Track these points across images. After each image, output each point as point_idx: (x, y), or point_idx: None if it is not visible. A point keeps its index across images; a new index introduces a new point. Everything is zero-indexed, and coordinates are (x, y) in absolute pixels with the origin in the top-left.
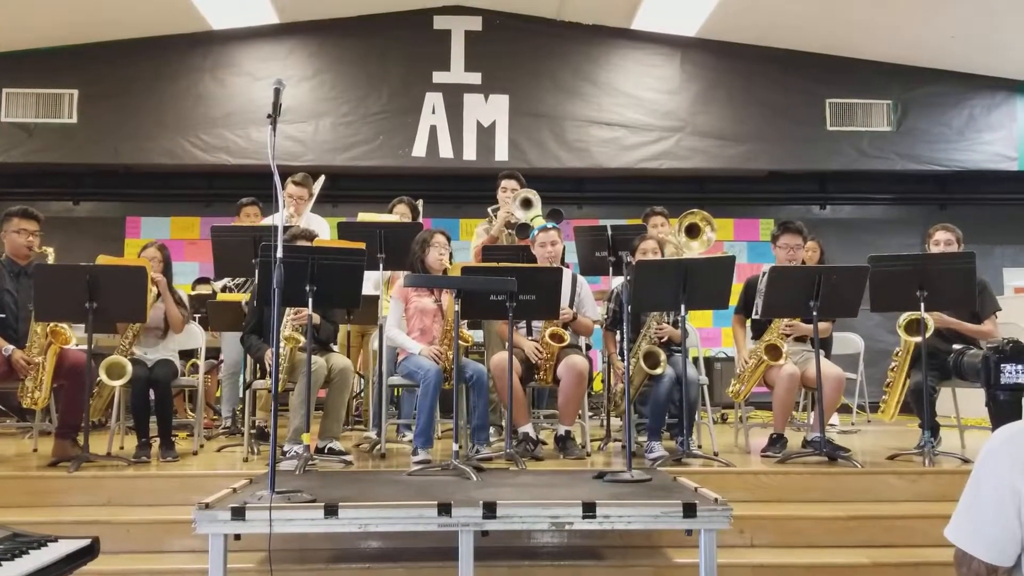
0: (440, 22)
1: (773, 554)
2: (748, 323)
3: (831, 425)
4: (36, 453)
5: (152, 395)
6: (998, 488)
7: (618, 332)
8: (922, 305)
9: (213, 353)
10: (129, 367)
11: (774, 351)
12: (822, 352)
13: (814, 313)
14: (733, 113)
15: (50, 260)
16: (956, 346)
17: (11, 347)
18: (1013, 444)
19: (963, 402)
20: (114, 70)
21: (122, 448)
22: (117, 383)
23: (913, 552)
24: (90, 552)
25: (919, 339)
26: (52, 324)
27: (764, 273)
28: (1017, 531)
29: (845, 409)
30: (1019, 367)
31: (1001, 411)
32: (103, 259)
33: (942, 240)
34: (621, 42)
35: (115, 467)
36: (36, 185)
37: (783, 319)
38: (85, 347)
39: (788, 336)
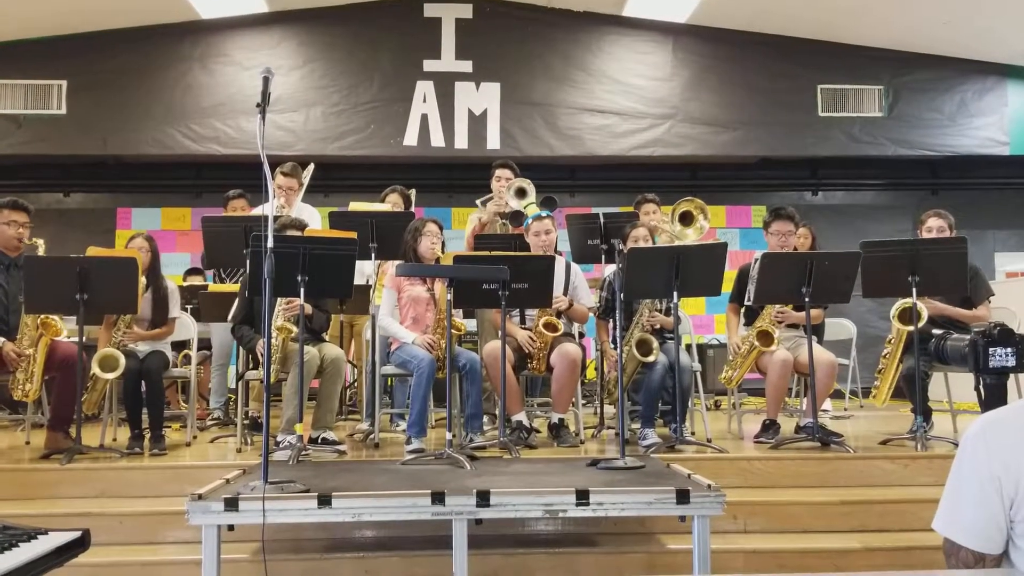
0: (430, 10)
1: (766, 539)
2: (742, 311)
3: (823, 410)
4: (28, 446)
5: (144, 386)
6: (978, 476)
7: (611, 320)
8: (914, 291)
9: (205, 344)
10: (122, 359)
11: (766, 337)
12: (814, 338)
13: (806, 299)
14: (725, 100)
15: (40, 252)
16: (936, 331)
17: (1, 339)
18: (989, 432)
19: (955, 387)
20: (103, 60)
21: (115, 440)
22: (111, 375)
23: (905, 536)
24: (81, 544)
25: (912, 328)
26: (43, 316)
27: (756, 260)
28: (1001, 518)
29: (838, 394)
30: (1007, 351)
31: (990, 395)
32: (93, 251)
33: (935, 227)
34: (612, 29)
35: (108, 459)
36: (26, 177)
37: (775, 306)
38: (76, 339)
39: (780, 323)
